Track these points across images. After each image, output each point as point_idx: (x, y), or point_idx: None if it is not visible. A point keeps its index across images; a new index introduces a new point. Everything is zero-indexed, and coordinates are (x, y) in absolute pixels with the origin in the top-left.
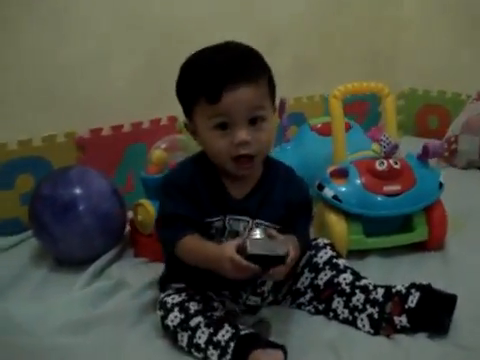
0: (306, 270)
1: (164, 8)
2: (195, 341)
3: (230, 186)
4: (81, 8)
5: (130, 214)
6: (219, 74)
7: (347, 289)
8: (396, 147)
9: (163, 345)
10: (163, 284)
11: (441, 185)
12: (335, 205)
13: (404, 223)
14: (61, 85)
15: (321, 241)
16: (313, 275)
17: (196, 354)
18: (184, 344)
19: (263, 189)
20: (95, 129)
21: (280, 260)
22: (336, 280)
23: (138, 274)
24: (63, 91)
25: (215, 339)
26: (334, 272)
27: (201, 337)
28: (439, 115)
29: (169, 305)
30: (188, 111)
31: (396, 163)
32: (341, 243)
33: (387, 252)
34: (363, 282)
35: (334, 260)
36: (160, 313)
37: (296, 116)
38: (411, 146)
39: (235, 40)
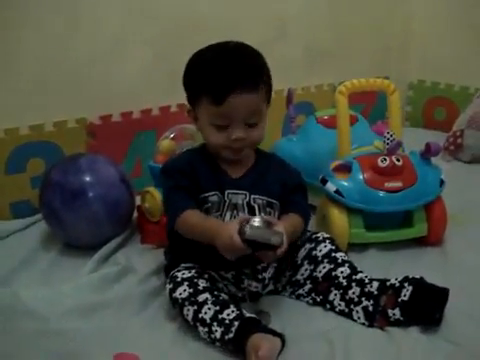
0: (306, 262)
1: None
2: (201, 316)
3: (227, 168)
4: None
5: (138, 200)
6: (226, 80)
7: (344, 282)
8: (399, 144)
9: (167, 331)
10: (168, 270)
11: (442, 182)
12: (337, 199)
13: (404, 219)
14: (73, 72)
15: (321, 235)
16: (312, 267)
17: (201, 328)
18: (190, 318)
19: (257, 171)
20: (105, 115)
21: (272, 248)
22: (334, 273)
23: (144, 260)
24: (75, 78)
25: (220, 317)
26: (332, 265)
27: (207, 313)
28: (446, 107)
29: (179, 279)
30: (192, 103)
31: (398, 160)
32: (342, 236)
33: (387, 246)
34: (359, 276)
35: (333, 254)
36: (169, 286)
37: (304, 105)
38: (417, 138)
39: (247, 29)
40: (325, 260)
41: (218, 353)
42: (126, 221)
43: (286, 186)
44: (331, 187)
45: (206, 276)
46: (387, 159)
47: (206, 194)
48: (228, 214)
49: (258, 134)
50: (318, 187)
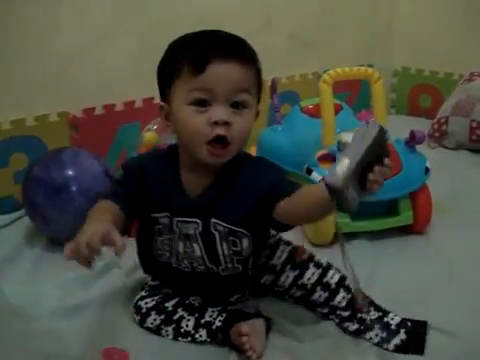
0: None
1: None
2: (182, 330)
3: (187, 180)
4: None
5: None
6: (209, 45)
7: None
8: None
9: None
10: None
11: (427, 170)
12: None
13: (390, 207)
14: (54, 66)
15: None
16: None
17: (184, 340)
18: (170, 336)
19: (223, 184)
20: (88, 108)
21: (382, 158)
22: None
23: (129, 253)
24: (57, 71)
25: (203, 321)
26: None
27: (188, 325)
28: (431, 94)
29: (144, 310)
30: (167, 88)
31: None
32: (328, 226)
33: (373, 235)
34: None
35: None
36: (137, 317)
37: (289, 94)
38: (402, 125)
39: (231, 17)
40: (317, 288)
41: (206, 348)
42: None
43: (267, 196)
44: (316, 177)
45: (172, 295)
46: None
47: (156, 214)
48: (180, 244)
49: (244, 125)
50: (304, 177)
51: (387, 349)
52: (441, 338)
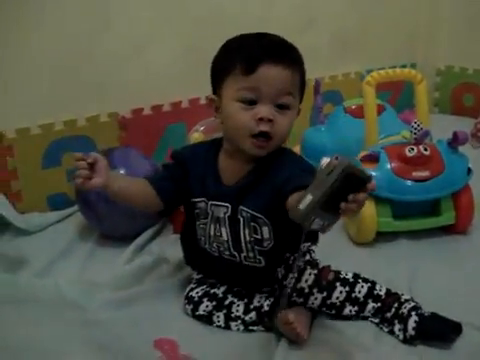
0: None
1: None
2: (233, 315)
3: (225, 171)
4: None
5: None
6: (261, 49)
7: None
8: (426, 134)
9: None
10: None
11: (469, 171)
12: None
13: (432, 207)
14: (104, 67)
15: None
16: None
17: (234, 324)
18: (221, 322)
19: (254, 175)
20: (136, 109)
21: (360, 185)
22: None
23: (177, 249)
24: (106, 73)
25: (252, 306)
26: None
27: (238, 310)
28: (475, 93)
29: (196, 298)
30: (218, 83)
31: (426, 149)
32: (370, 225)
33: (415, 235)
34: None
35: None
36: (189, 307)
37: (332, 94)
38: (446, 124)
39: (276, 18)
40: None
41: (255, 336)
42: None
43: (281, 188)
44: None
45: (218, 285)
46: (415, 148)
47: (195, 199)
48: (212, 227)
49: (286, 123)
50: None
51: (411, 336)
52: None
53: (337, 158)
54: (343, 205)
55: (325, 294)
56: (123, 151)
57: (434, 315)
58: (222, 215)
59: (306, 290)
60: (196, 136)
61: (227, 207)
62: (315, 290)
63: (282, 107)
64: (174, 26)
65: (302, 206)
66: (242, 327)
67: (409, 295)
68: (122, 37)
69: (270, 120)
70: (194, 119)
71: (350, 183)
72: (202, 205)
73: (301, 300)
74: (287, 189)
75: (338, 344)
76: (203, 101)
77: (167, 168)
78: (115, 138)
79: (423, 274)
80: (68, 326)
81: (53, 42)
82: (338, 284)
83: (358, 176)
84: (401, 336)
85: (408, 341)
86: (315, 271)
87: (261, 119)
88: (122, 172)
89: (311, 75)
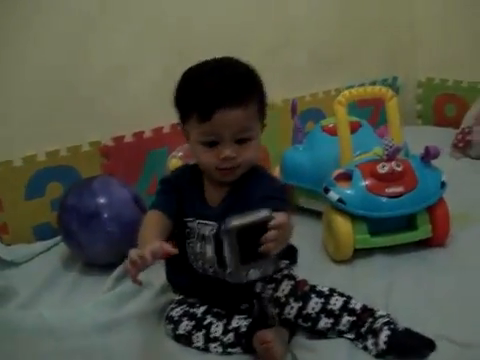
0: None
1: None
2: (212, 336)
3: (210, 193)
4: (100, 26)
5: None
6: (211, 96)
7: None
8: (398, 150)
9: None
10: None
11: (443, 184)
12: (340, 208)
13: (408, 222)
14: (84, 96)
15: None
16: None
17: (213, 345)
18: (200, 343)
19: (236, 195)
20: (118, 137)
21: (264, 228)
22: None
23: (159, 275)
24: (87, 102)
25: (230, 327)
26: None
27: (217, 331)
28: (456, 104)
29: (176, 317)
30: (182, 120)
31: (398, 165)
32: (347, 243)
33: (392, 250)
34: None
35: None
36: (170, 327)
37: (313, 112)
38: (428, 136)
39: (254, 38)
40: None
41: (231, 357)
42: None
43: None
44: (334, 196)
45: (198, 304)
46: (387, 165)
47: (186, 218)
48: (198, 244)
49: (250, 153)
50: (323, 195)
51: (383, 350)
52: (459, 352)
53: (224, 222)
54: (262, 248)
55: (301, 304)
56: (103, 179)
57: (407, 330)
58: (207, 233)
59: (282, 299)
60: (174, 162)
61: (212, 226)
62: (291, 299)
63: (243, 141)
64: (153, 52)
65: (228, 270)
66: (221, 349)
67: (386, 311)
68: (101, 66)
69: (233, 157)
70: (176, 144)
71: (249, 233)
72: (193, 224)
73: (277, 310)
74: None
75: None
76: None
77: (165, 193)
78: (98, 167)
79: (400, 289)
80: (48, 357)
81: (33, 74)
82: (314, 295)
83: (251, 225)
84: (374, 351)
85: (380, 355)
86: (292, 282)
87: (224, 159)
88: (102, 201)
89: (291, 94)
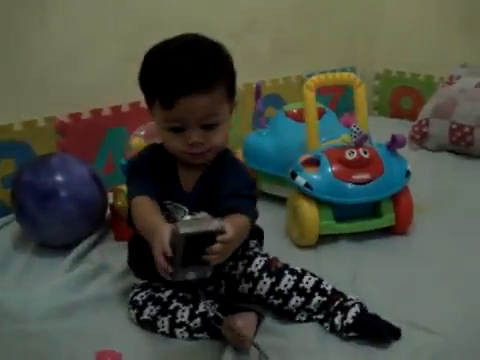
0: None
1: None
2: (178, 321)
3: (182, 175)
4: None
5: (110, 197)
6: (174, 83)
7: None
8: (366, 137)
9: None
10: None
11: (408, 173)
12: (307, 193)
13: (373, 209)
14: (41, 70)
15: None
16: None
17: (179, 330)
18: (166, 328)
19: (208, 180)
20: (74, 113)
21: (213, 239)
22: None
23: (119, 258)
24: (43, 76)
25: (197, 312)
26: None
27: (183, 315)
28: (413, 97)
29: (141, 302)
30: (147, 103)
31: (365, 152)
32: (312, 228)
33: (356, 236)
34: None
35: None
36: (134, 312)
37: (273, 98)
38: (385, 127)
39: (216, 22)
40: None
41: (199, 345)
42: (99, 219)
43: (223, 202)
44: (301, 181)
45: (163, 289)
46: (354, 152)
47: (164, 201)
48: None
49: (219, 137)
50: (289, 180)
51: (348, 324)
52: (423, 336)
53: (176, 225)
54: (205, 258)
55: (274, 280)
56: (61, 156)
57: (376, 316)
58: (180, 217)
59: (256, 274)
60: (137, 141)
61: (184, 211)
62: (264, 274)
63: (210, 127)
64: (114, 28)
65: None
66: (187, 334)
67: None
68: (59, 38)
69: (201, 143)
70: (135, 123)
71: (196, 241)
72: (170, 207)
73: (250, 286)
74: (224, 205)
75: (283, 348)
76: (144, 104)
77: (145, 176)
78: (53, 143)
79: (365, 275)
80: (4, 339)
81: None
82: (287, 272)
83: (201, 234)
84: (339, 326)
85: (345, 330)
86: (265, 258)
87: (192, 144)
88: (59, 179)
89: (252, 78)
